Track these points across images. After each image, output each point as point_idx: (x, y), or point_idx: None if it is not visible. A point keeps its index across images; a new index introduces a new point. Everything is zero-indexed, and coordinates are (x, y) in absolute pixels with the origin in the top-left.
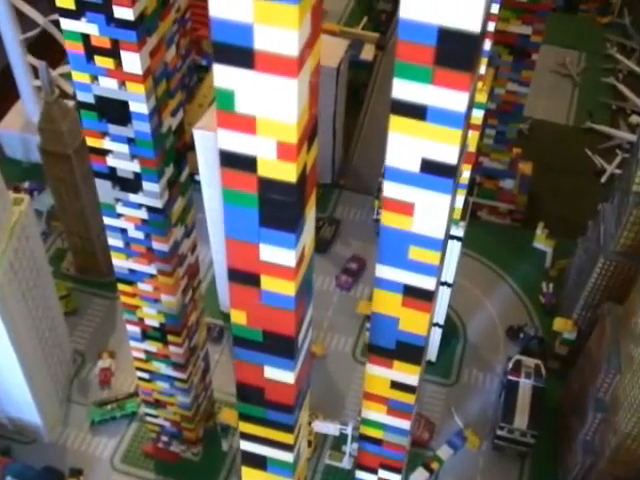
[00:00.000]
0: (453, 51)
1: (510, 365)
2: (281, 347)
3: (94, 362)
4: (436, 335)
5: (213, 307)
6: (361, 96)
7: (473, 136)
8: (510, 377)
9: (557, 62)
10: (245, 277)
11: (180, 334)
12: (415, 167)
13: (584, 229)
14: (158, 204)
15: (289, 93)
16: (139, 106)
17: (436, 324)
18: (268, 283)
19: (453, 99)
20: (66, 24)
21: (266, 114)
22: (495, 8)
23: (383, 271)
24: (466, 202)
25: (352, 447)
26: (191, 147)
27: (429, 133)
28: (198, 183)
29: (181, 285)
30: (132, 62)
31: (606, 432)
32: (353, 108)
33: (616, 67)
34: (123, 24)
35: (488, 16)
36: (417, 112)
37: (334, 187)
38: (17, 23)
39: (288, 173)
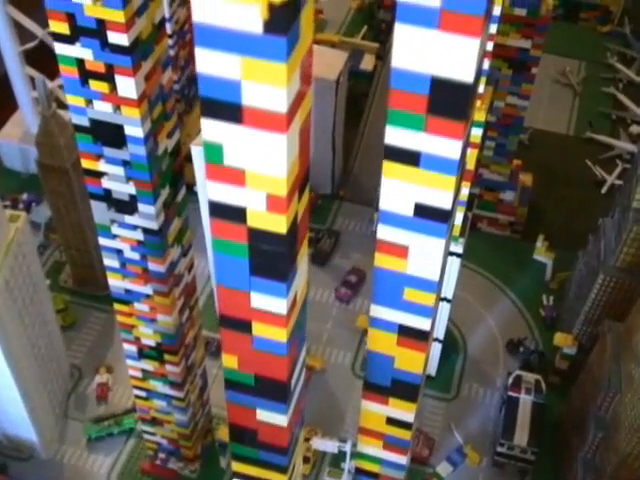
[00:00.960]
0: (446, 100)
1: (510, 381)
2: (273, 391)
3: (91, 376)
4: (436, 350)
5: (211, 321)
6: (361, 106)
7: (472, 154)
8: (510, 393)
9: (557, 71)
10: (236, 323)
11: (177, 353)
12: (409, 211)
13: (584, 241)
14: (154, 226)
15: (278, 148)
16: (134, 130)
17: (436, 339)
18: (259, 330)
19: (446, 147)
20: (60, 49)
21: (255, 167)
22: (494, 22)
23: (378, 311)
24: (465, 218)
25: (351, 464)
26: (189, 159)
27: (422, 179)
28: (197, 194)
29: (178, 305)
30: (127, 86)
31: (607, 451)
32: (353, 118)
33: (616, 76)
34: (118, 49)
35: (482, 65)
36: (410, 158)
37: (334, 198)
38: (16, 35)
39: (278, 225)
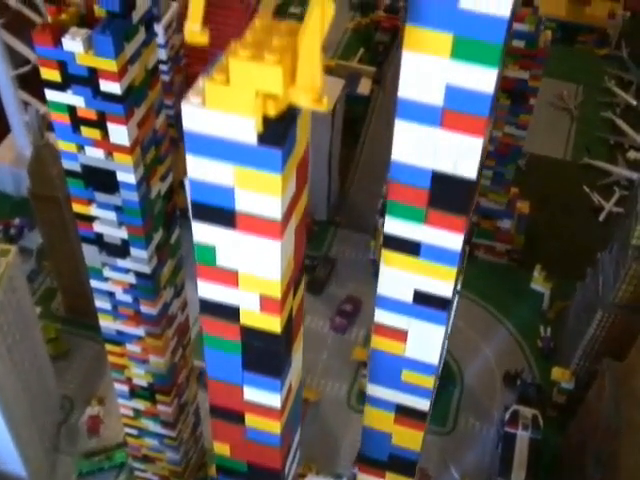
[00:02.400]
0: (447, 195)
1: (507, 416)
2: (267, 479)
3: (83, 408)
4: None
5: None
6: (358, 130)
7: None
8: (507, 429)
9: (555, 95)
10: (228, 414)
11: (169, 393)
12: (408, 298)
13: (582, 269)
14: (146, 270)
15: (273, 253)
16: (127, 176)
17: None
18: (252, 421)
19: (447, 239)
20: (52, 95)
21: (249, 270)
22: None
23: (375, 390)
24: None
25: None
26: (182, 185)
27: (423, 269)
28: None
29: (170, 346)
30: (119, 134)
31: None
32: (349, 142)
33: (614, 100)
34: (110, 97)
35: (484, 159)
36: (410, 248)
37: (329, 224)
38: (9, 59)
39: (273, 324)
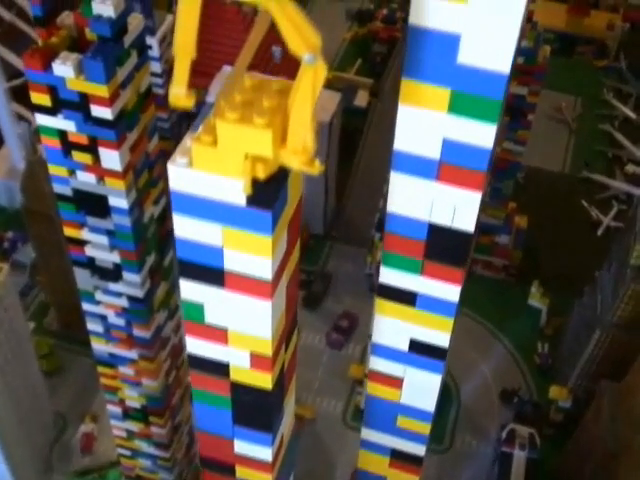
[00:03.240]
0: (444, 247)
1: (504, 435)
2: None
3: (76, 425)
4: None
5: None
6: (354, 142)
7: None
8: (504, 448)
9: (553, 107)
10: (219, 467)
11: (163, 415)
12: (403, 346)
13: (579, 284)
14: (139, 294)
15: (263, 312)
16: (119, 201)
17: None
18: (244, 473)
19: (444, 290)
20: (42, 120)
21: (238, 328)
22: None
23: (370, 434)
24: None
25: None
26: None
27: (419, 318)
28: None
29: (164, 368)
30: (111, 159)
31: None
32: (346, 155)
33: (612, 113)
34: (101, 122)
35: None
36: (406, 298)
37: (326, 239)
38: (1, 71)
39: (263, 381)
